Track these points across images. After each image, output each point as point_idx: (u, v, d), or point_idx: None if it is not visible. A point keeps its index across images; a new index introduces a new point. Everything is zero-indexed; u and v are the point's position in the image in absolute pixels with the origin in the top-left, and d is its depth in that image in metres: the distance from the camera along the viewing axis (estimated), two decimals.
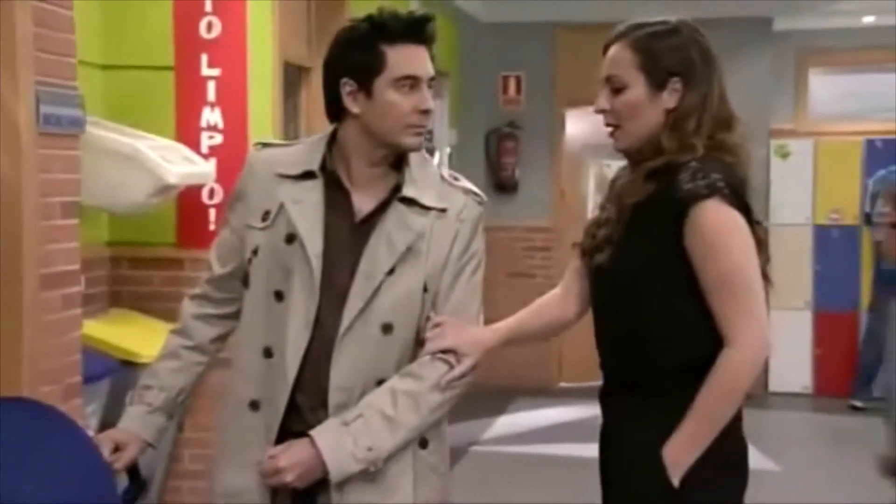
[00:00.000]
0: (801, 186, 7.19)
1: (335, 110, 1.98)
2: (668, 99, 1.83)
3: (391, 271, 1.92)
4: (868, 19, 7.32)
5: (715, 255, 1.75)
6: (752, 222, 1.82)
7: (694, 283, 1.77)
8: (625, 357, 1.86)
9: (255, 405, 1.97)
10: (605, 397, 1.92)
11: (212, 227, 3.99)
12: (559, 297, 2.09)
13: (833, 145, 7.36)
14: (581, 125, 7.51)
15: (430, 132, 6.58)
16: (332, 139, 2.01)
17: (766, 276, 1.83)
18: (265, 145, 2.11)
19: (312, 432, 1.89)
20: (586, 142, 7.65)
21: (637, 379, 1.83)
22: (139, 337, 3.62)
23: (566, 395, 7.09)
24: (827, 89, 7.88)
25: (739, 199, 1.78)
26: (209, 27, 3.96)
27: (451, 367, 1.94)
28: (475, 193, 2.04)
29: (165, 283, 4.01)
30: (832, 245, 7.02)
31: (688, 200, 1.75)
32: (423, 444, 1.97)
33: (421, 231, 1.94)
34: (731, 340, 1.76)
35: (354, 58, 1.93)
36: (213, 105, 3.97)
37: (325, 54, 2.00)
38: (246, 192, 2.05)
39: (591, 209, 7.75)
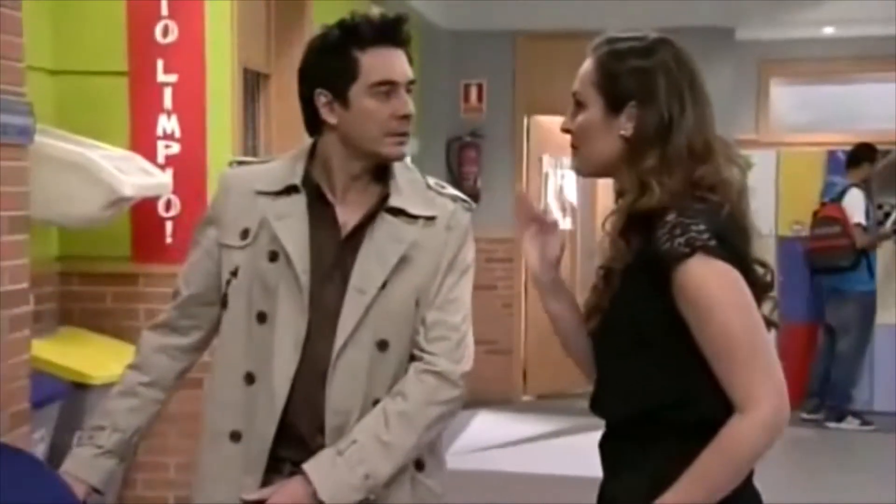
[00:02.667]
0: (765, 198, 7.13)
1: (313, 123, 1.92)
2: (625, 125, 1.68)
3: (383, 285, 1.86)
4: (828, 30, 7.35)
5: (707, 319, 1.58)
6: (751, 266, 1.65)
7: (697, 345, 1.62)
8: (624, 412, 1.71)
9: (235, 436, 1.89)
10: (604, 445, 1.77)
11: (168, 240, 3.88)
12: None
13: (796, 156, 7.35)
14: (542, 133, 7.46)
15: None
16: (312, 153, 1.95)
17: (770, 323, 1.66)
18: (241, 163, 2.04)
19: (305, 466, 1.81)
20: (547, 151, 7.60)
21: (636, 432, 1.68)
22: (91, 357, 3.48)
23: (531, 408, 7.01)
24: (789, 100, 7.91)
25: (728, 246, 1.59)
26: (165, 31, 3.84)
27: (442, 379, 1.87)
28: (464, 200, 1.99)
29: (119, 299, 3.89)
30: (796, 256, 7.00)
31: (668, 263, 1.58)
32: (420, 466, 1.91)
33: (412, 241, 1.89)
34: (742, 406, 1.57)
35: (327, 66, 1.87)
36: (169, 113, 3.85)
37: (300, 64, 1.94)
38: (220, 213, 1.96)
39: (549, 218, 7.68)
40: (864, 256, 6.66)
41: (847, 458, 6.14)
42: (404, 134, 1.88)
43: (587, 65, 1.73)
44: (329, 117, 1.88)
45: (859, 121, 7.59)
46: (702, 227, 1.58)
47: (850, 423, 6.68)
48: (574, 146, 1.75)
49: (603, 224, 1.74)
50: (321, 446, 1.84)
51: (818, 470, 5.80)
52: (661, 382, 1.64)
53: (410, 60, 1.91)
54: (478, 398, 6.83)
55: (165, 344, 2.01)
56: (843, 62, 7.48)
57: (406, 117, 1.87)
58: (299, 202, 1.90)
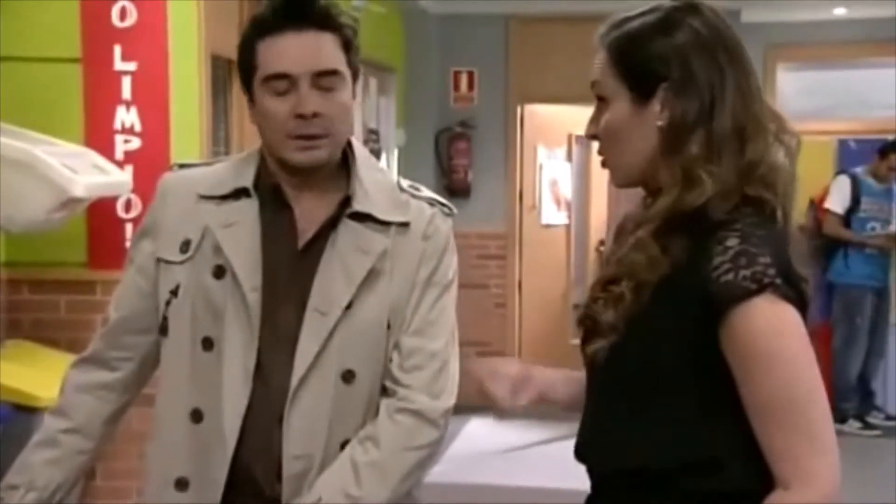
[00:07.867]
0: None
1: None
2: (660, 114, 1.46)
3: (349, 305, 1.65)
4: (839, 11, 7.09)
5: (766, 372, 1.34)
6: (805, 293, 1.41)
7: (733, 398, 1.37)
8: (616, 466, 1.45)
9: (182, 484, 1.69)
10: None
11: (128, 244, 3.58)
12: None
13: (805, 145, 6.90)
14: (537, 123, 7.22)
15: (376, 132, 6.19)
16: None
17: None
18: (182, 166, 1.81)
19: None
20: (541, 142, 7.37)
21: (633, 498, 1.42)
22: (39, 375, 3.22)
23: (526, 413, 6.73)
24: (796, 86, 7.68)
25: (792, 282, 1.38)
26: (123, 14, 3.62)
27: (419, 419, 1.67)
28: (443, 204, 1.78)
29: (74, 309, 3.68)
30: None
31: (727, 300, 1.35)
32: None
33: (382, 252, 1.67)
34: (788, 481, 1.33)
35: (238, 60, 1.69)
36: (128, 104, 3.64)
37: None
38: (157, 223, 1.76)
39: (545, 214, 7.51)
40: (840, 246, 6.44)
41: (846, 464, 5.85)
42: (311, 137, 1.62)
43: (601, 56, 1.50)
44: (251, 117, 1.70)
45: (871, 107, 7.39)
46: (768, 259, 1.36)
47: (851, 427, 6.36)
48: (602, 153, 1.50)
49: (620, 229, 1.48)
50: (280, 496, 1.65)
51: None
52: (676, 437, 1.38)
53: (347, 45, 1.65)
54: (469, 404, 6.60)
55: (90, 382, 1.79)
56: (854, 46, 7.21)
57: (303, 116, 1.61)
58: (249, 208, 1.69)
